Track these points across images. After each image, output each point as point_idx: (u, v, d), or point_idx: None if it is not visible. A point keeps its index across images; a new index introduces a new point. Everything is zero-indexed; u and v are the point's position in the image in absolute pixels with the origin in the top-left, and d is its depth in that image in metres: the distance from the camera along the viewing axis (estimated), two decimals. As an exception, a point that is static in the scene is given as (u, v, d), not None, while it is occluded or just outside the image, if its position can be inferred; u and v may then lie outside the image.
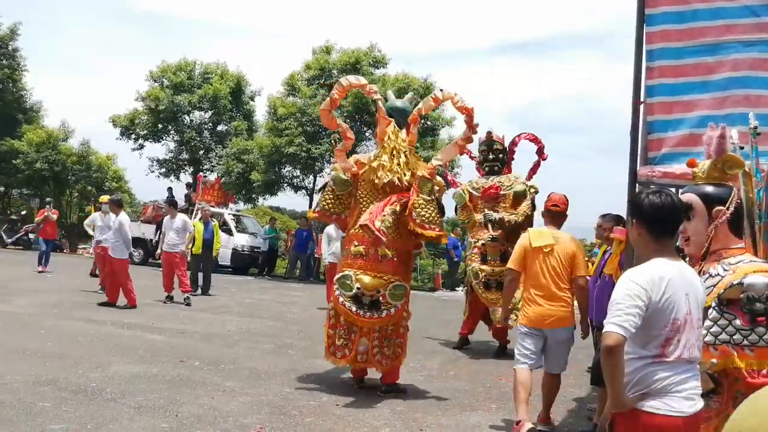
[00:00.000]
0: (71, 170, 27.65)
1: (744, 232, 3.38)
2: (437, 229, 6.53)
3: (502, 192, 9.35)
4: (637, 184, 4.82)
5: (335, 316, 6.57)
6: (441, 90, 6.76)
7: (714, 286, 3.13)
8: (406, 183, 6.57)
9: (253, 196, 25.91)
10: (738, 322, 3.04)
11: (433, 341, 10.03)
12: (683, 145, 4.60)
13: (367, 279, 6.40)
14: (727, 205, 3.22)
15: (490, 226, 9.14)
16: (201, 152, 29.61)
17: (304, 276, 20.73)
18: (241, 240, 21.64)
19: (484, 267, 9.21)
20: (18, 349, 7.37)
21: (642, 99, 4.93)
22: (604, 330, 2.72)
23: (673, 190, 4.65)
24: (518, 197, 9.26)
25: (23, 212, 28.67)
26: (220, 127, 29.80)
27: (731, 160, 3.39)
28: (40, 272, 15.94)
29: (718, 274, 3.15)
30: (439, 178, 6.77)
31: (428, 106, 6.85)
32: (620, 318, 2.67)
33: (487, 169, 9.78)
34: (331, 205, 6.88)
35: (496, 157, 9.68)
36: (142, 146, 29.43)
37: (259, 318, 11.34)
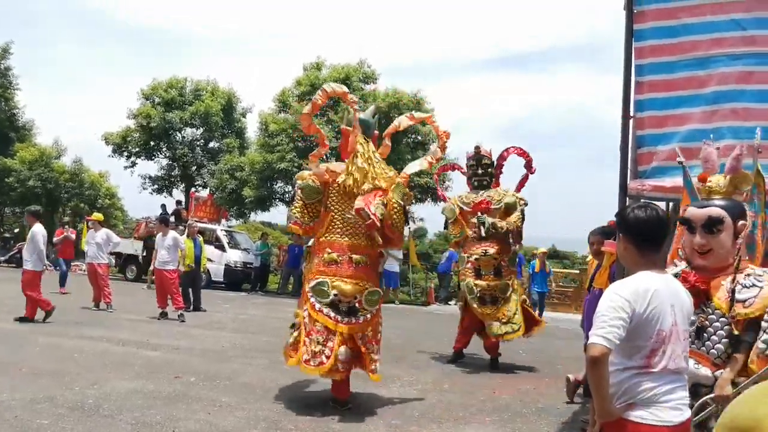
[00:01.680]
0: (64, 188, 27.65)
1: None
2: (398, 236, 6.71)
3: (492, 206, 9.37)
4: (627, 198, 4.88)
5: (311, 323, 6.42)
6: (416, 112, 7.91)
7: (755, 297, 3.30)
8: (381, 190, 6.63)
9: (245, 211, 25.92)
10: None
11: (428, 355, 10.07)
12: (673, 159, 4.65)
13: (346, 286, 6.40)
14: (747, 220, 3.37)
15: (482, 229, 9.11)
16: (193, 169, 29.64)
17: (296, 291, 20.69)
18: (234, 256, 21.68)
19: (479, 282, 9.21)
20: (14, 366, 7.37)
21: (632, 113, 5.00)
22: (588, 342, 2.78)
23: (662, 204, 4.75)
24: (509, 209, 9.32)
25: (16, 230, 28.60)
26: (211, 144, 29.87)
27: (743, 177, 3.52)
28: (62, 294, 15.53)
29: (754, 285, 3.30)
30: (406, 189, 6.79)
31: (404, 123, 7.34)
32: (604, 330, 2.72)
33: (476, 183, 9.82)
34: (300, 215, 6.79)
35: (485, 171, 9.72)
36: (134, 163, 29.47)
37: (252, 333, 11.35)
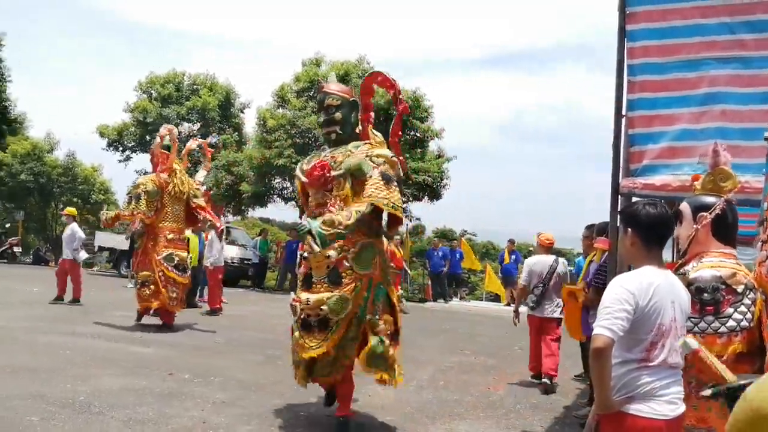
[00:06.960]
0: (56, 182, 27.45)
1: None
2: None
3: (333, 173, 5.54)
4: (619, 196, 4.89)
5: (166, 280, 10.45)
6: (199, 138, 12.95)
7: None
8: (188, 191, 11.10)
9: (243, 207, 25.84)
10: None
11: (423, 352, 10.06)
12: (663, 157, 4.69)
13: (183, 253, 10.85)
14: (710, 211, 3.36)
15: (313, 242, 5.14)
16: (189, 165, 29.53)
17: (294, 288, 20.58)
18: (231, 252, 21.58)
19: (303, 294, 5.55)
20: (4, 363, 7.31)
21: (624, 113, 5.01)
22: (593, 333, 2.84)
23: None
24: (357, 176, 5.46)
25: (7, 225, 28.47)
26: (208, 140, 29.79)
27: (723, 173, 3.54)
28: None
29: (687, 271, 3.34)
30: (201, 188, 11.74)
31: (193, 145, 13.31)
32: (609, 321, 2.80)
33: (324, 138, 6.20)
34: (147, 209, 10.46)
35: (331, 119, 5.83)
36: (129, 158, 29.35)
37: (248, 330, 11.35)
